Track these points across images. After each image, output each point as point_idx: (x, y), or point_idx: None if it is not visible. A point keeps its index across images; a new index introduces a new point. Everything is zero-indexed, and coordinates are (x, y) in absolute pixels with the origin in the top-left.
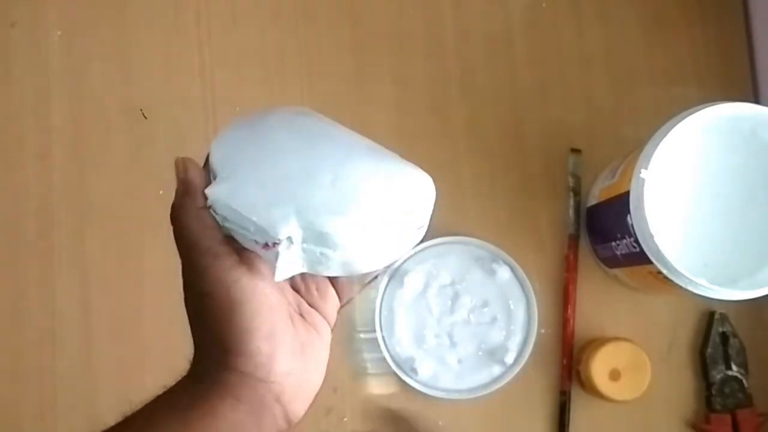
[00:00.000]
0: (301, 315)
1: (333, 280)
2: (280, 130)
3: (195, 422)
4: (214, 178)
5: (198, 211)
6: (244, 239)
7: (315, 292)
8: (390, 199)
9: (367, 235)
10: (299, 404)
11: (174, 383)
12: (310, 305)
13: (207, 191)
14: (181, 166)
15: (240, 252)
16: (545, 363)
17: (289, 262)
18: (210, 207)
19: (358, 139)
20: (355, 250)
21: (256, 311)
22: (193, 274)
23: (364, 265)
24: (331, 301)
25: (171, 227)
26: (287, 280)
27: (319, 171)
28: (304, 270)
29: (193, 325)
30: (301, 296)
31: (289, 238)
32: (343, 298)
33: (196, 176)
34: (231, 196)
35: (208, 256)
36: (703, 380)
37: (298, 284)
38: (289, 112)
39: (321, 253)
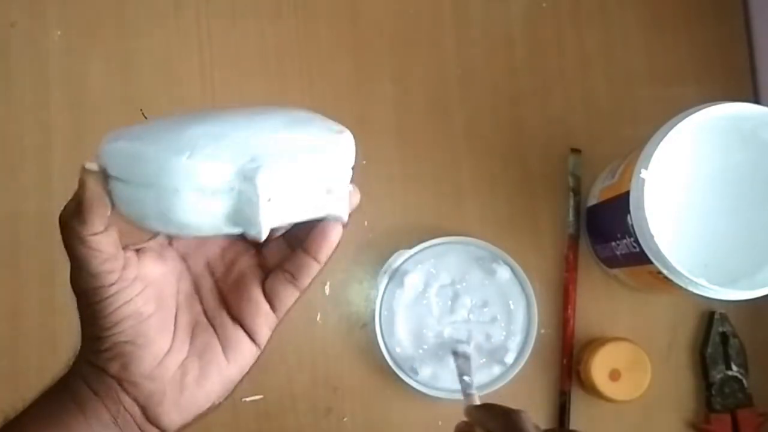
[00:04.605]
0: (212, 325)
1: (267, 291)
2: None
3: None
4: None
5: (87, 237)
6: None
7: (243, 303)
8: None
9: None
10: (169, 414)
11: (47, 386)
12: (234, 318)
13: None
14: (80, 183)
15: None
16: (545, 363)
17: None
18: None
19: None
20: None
21: (125, 310)
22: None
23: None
24: (261, 314)
25: None
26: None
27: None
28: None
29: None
30: (227, 306)
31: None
32: (279, 308)
33: (91, 195)
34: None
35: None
36: (703, 380)
37: (225, 292)
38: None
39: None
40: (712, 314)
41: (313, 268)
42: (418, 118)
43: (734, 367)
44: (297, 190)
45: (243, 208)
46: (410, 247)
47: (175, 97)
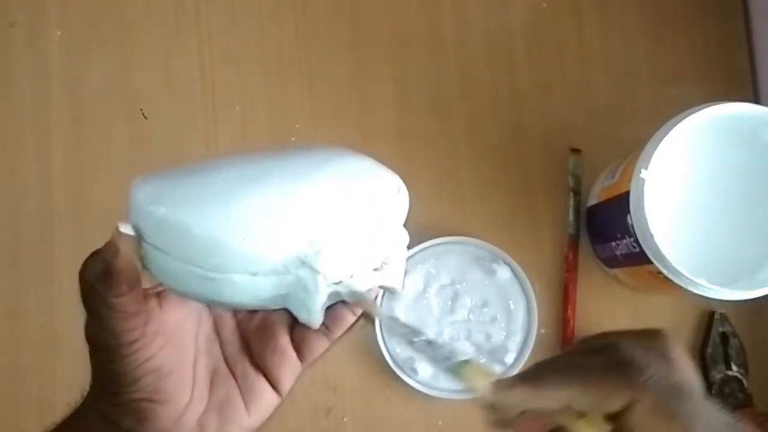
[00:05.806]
0: (233, 373)
1: (295, 338)
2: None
3: None
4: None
5: (110, 300)
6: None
7: (268, 352)
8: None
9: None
10: None
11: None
12: (256, 366)
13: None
14: (113, 248)
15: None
16: None
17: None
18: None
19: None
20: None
21: (145, 367)
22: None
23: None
24: (286, 363)
25: None
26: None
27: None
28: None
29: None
30: (249, 353)
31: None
32: (307, 358)
33: (124, 263)
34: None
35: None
36: (703, 380)
37: (248, 336)
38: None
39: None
40: (712, 314)
41: (348, 320)
42: (418, 118)
43: (734, 367)
44: (355, 268)
45: (298, 292)
46: (410, 247)
47: (175, 97)
